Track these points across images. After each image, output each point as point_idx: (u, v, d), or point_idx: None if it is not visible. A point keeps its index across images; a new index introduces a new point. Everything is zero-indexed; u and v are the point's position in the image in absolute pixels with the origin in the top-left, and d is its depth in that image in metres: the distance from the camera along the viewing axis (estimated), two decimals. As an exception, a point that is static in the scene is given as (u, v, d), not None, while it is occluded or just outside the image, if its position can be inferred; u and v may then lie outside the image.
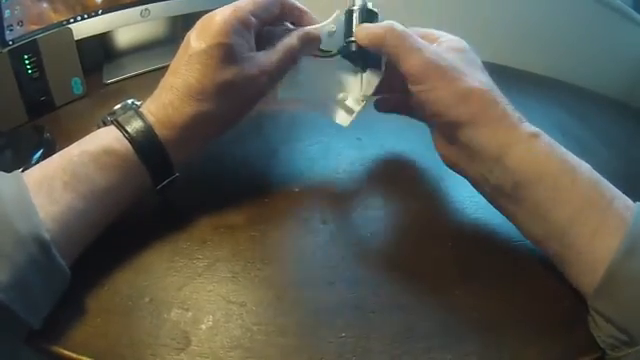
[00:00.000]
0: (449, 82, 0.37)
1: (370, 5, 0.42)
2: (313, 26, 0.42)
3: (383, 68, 0.44)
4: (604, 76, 0.70)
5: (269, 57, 0.40)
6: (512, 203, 0.36)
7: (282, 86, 0.44)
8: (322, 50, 0.43)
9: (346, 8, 0.42)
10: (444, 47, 0.40)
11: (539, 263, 0.37)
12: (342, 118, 0.45)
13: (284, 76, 0.42)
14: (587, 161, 0.35)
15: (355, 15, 0.41)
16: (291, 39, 0.41)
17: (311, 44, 0.42)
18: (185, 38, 0.39)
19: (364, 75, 0.43)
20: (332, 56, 0.43)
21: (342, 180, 0.46)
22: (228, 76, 0.37)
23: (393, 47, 0.38)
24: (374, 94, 0.45)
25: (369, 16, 0.42)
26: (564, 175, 0.34)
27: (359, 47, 0.41)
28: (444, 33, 0.42)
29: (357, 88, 0.44)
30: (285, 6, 0.42)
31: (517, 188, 0.35)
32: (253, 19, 0.38)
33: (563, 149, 0.36)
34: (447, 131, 0.39)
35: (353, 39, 0.41)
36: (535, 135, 0.36)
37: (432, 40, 0.41)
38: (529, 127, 0.36)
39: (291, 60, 0.41)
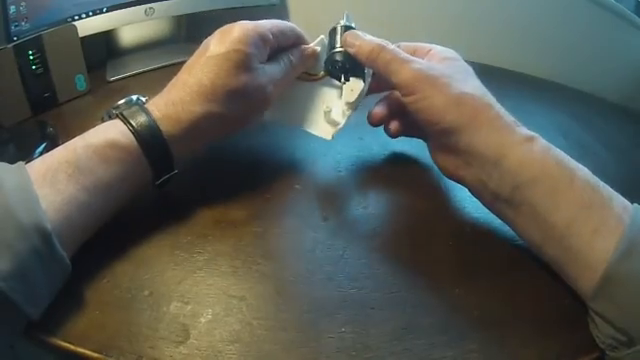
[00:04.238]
0: (440, 89, 0.37)
1: (353, 24, 0.43)
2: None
3: (368, 80, 0.44)
4: (606, 79, 0.71)
5: (275, 68, 0.42)
6: (511, 208, 0.36)
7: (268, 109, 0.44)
8: (308, 73, 0.46)
9: (330, 28, 0.44)
10: (436, 58, 0.41)
11: (539, 262, 0.37)
12: (326, 131, 0.45)
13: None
14: (588, 164, 0.35)
15: (339, 31, 0.43)
16: (291, 54, 0.43)
17: (308, 59, 0.45)
18: (203, 43, 0.40)
19: (346, 84, 0.43)
20: (318, 79, 0.45)
21: (343, 178, 0.46)
22: (240, 82, 0.38)
23: (384, 63, 0.40)
24: (357, 102, 0.44)
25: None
26: (562, 177, 0.34)
27: (343, 57, 0.42)
28: (435, 45, 0.43)
29: (340, 99, 0.44)
30: (298, 37, 0.44)
31: (516, 191, 0.35)
32: (271, 37, 0.41)
33: (560, 152, 0.36)
34: (443, 139, 0.39)
35: (338, 50, 0.42)
36: (531, 138, 0.36)
37: (423, 53, 0.42)
38: (525, 130, 0.37)
39: (293, 73, 0.44)
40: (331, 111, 0.44)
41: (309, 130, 0.46)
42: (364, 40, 0.41)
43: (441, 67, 0.39)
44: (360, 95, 0.43)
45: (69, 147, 0.35)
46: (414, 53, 0.43)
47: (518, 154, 0.35)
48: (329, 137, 0.45)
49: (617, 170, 0.52)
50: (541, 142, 0.36)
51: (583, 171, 0.34)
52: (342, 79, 0.43)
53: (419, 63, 0.39)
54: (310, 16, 0.44)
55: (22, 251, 0.29)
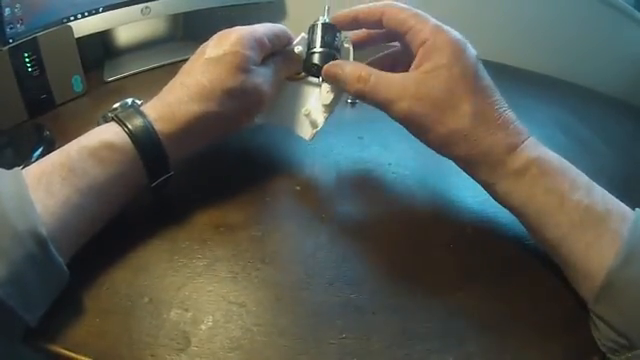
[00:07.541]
0: (429, 130, 0.38)
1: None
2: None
3: None
4: (606, 75, 0.70)
5: (266, 70, 0.42)
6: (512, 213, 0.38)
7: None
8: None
9: (310, 25, 0.43)
10: (428, 65, 0.37)
11: (540, 264, 0.37)
12: (306, 132, 0.46)
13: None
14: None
15: (318, 30, 0.42)
16: (279, 58, 0.44)
17: (292, 63, 0.45)
18: (200, 47, 0.41)
19: (323, 86, 0.43)
20: (299, 78, 0.45)
21: (343, 179, 0.46)
22: (238, 82, 0.39)
23: (374, 99, 0.39)
24: (334, 104, 0.44)
25: (331, 30, 0.42)
26: (549, 202, 0.34)
27: (320, 59, 0.42)
28: (434, 34, 0.37)
29: (318, 101, 0.44)
30: (290, 40, 0.44)
31: (509, 208, 0.37)
32: (267, 42, 0.41)
33: (555, 176, 0.35)
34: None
35: (316, 51, 0.42)
36: (521, 170, 0.35)
37: (416, 45, 0.38)
38: (519, 159, 0.35)
39: (280, 75, 0.44)
40: (310, 113, 0.45)
41: (291, 129, 0.46)
42: (346, 70, 0.40)
43: (430, 94, 0.36)
44: (337, 97, 0.43)
45: (64, 150, 0.35)
46: (406, 33, 0.38)
47: (505, 186, 0.36)
48: (308, 137, 0.45)
49: (616, 165, 0.51)
50: (533, 172, 0.35)
51: (577, 192, 0.34)
52: (320, 81, 0.43)
53: (402, 100, 0.37)
54: (307, 15, 0.44)
55: (18, 257, 0.29)
